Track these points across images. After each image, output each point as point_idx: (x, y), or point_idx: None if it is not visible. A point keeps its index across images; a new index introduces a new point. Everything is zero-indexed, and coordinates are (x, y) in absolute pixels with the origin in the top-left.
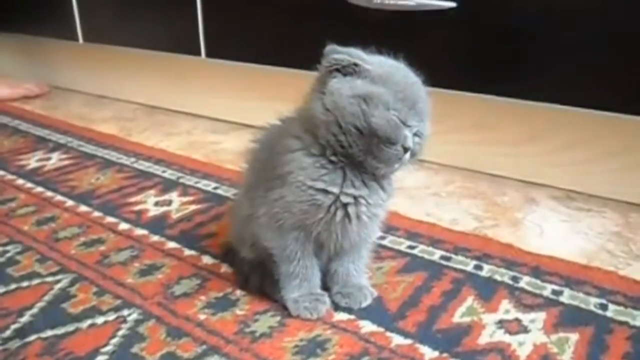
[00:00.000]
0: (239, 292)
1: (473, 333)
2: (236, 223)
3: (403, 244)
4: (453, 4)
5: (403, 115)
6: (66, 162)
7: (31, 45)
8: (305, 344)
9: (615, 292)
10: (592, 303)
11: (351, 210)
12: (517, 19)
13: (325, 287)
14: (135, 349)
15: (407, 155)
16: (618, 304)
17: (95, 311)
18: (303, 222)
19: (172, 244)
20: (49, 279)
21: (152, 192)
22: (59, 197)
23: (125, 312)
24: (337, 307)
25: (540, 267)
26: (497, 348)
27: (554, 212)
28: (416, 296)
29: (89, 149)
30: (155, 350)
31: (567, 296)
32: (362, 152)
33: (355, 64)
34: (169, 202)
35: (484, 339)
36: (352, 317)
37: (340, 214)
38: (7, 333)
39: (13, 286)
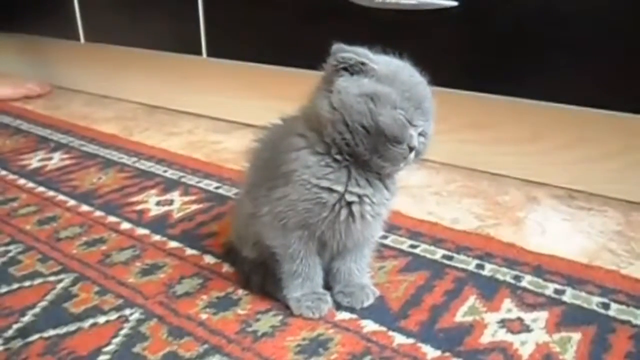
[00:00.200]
0: (240, 292)
1: (475, 332)
2: (238, 222)
3: (405, 243)
4: (454, 3)
5: (409, 114)
6: (68, 162)
7: (33, 45)
8: (307, 344)
9: (618, 291)
10: (594, 302)
11: (355, 209)
12: (518, 18)
13: (327, 286)
14: (137, 349)
15: (412, 154)
16: (620, 303)
17: (97, 311)
18: (307, 220)
19: (173, 244)
20: (51, 278)
21: (153, 191)
22: (61, 197)
23: (127, 312)
24: (339, 306)
25: (542, 266)
26: (499, 347)
27: (556, 211)
28: (418, 295)
29: (91, 148)
30: (157, 350)
31: (569, 295)
32: (368, 150)
33: (363, 63)
34: (171, 202)
35: (486, 339)
36: (354, 316)
37: (344, 212)
38: (9, 332)
39: (15, 286)
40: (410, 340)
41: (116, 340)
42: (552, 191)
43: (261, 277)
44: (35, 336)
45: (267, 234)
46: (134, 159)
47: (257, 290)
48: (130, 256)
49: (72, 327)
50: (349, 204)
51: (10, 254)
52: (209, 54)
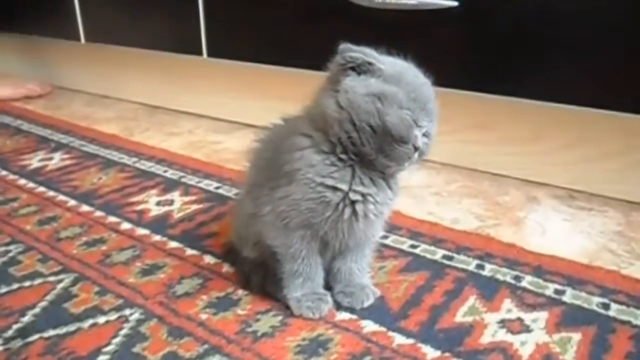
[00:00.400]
0: (240, 292)
1: (475, 333)
2: (238, 222)
3: (405, 243)
4: (455, 3)
5: (415, 115)
6: (68, 162)
7: (33, 45)
8: (307, 344)
9: (618, 291)
10: (594, 302)
11: (359, 208)
12: (519, 18)
13: (328, 286)
14: (137, 349)
15: (416, 154)
16: (620, 303)
17: (97, 311)
18: (310, 220)
19: (173, 244)
20: (51, 278)
21: (153, 191)
22: (61, 197)
23: (127, 312)
24: (339, 307)
25: (543, 267)
26: (499, 348)
27: (556, 211)
28: (418, 296)
29: (91, 148)
30: (157, 350)
31: (569, 295)
32: (374, 150)
33: (370, 63)
34: (171, 202)
35: (486, 339)
36: (354, 316)
37: (348, 211)
38: (9, 332)
39: (15, 286)
40: (410, 341)
41: (116, 340)
42: (553, 191)
43: (261, 277)
44: (35, 336)
45: (269, 233)
46: (135, 159)
47: (257, 291)
48: (131, 256)
49: (72, 327)
50: (353, 202)
51: (11, 254)
52: (210, 54)
